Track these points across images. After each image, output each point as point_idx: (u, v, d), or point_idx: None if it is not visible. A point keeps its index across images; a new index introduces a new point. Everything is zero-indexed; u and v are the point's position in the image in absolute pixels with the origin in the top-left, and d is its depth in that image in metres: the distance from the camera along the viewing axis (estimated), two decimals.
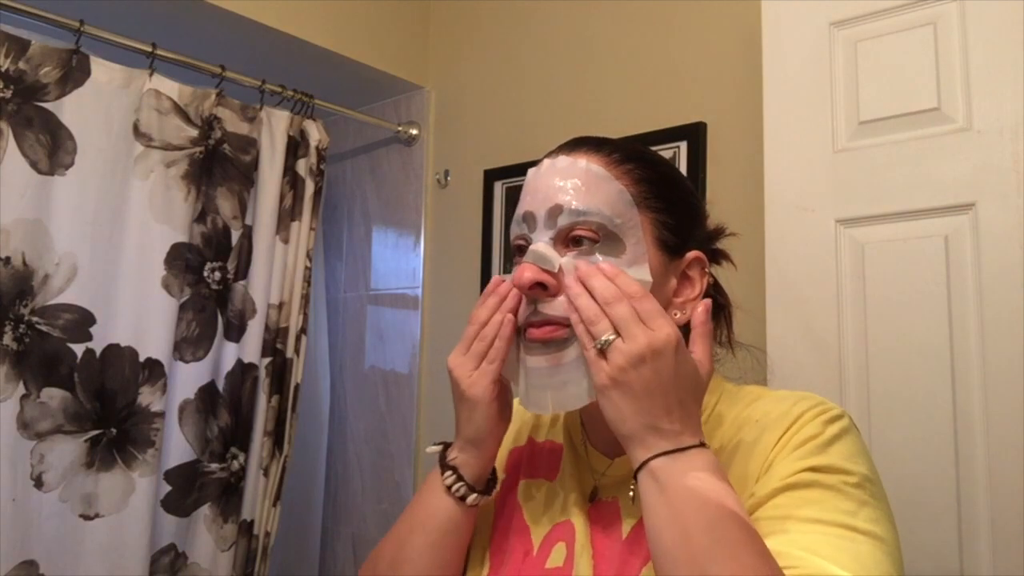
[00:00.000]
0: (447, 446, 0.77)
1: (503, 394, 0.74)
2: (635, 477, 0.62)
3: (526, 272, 0.67)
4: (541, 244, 0.68)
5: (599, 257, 0.67)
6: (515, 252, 0.74)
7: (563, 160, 0.71)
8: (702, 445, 0.62)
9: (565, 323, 0.67)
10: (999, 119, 0.98)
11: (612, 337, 0.62)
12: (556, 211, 0.68)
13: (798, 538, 0.59)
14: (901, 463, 1.01)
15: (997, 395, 0.95)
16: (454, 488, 0.74)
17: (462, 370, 0.72)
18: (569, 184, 0.69)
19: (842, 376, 1.08)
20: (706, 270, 0.74)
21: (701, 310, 0.67)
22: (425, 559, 0.75)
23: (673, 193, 0.73)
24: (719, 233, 0.80)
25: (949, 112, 1.03)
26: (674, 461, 0.60)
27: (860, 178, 1.08)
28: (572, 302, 0.65)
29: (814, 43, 1.15)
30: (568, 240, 0.69)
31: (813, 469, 0.63)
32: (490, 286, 0.72)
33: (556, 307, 0.68)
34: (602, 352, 0.62)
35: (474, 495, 0.74)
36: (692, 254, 0.73)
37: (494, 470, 0.78)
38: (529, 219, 0.71)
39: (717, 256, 0.80)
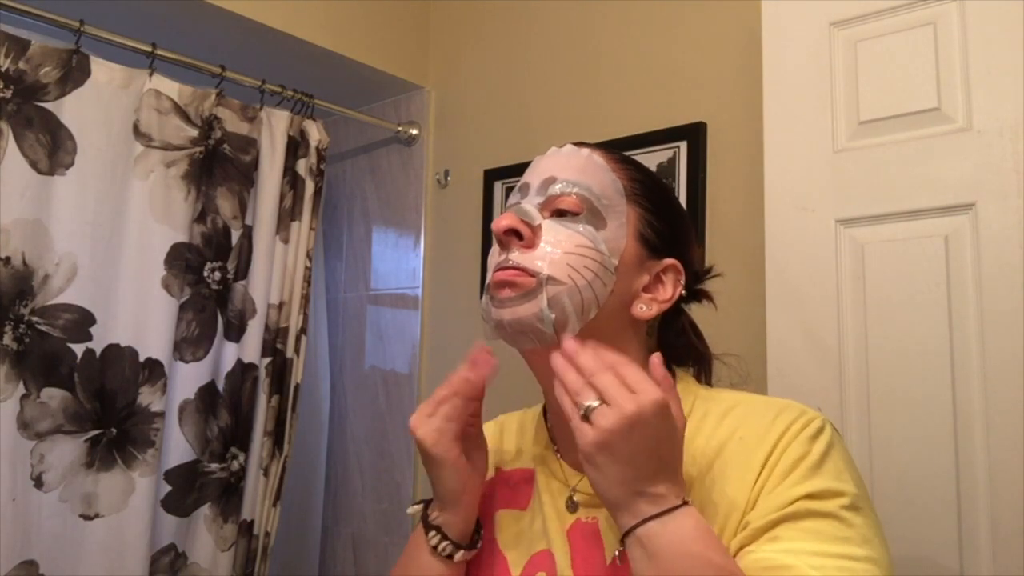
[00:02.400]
0: (427, 504, 0.77)
1: (473, 449, 0.74)
2: (623, 541, 0.62)
3: (504, 219, 0.70)
4: (527, 203, 0.72)
5: (580, 227, 0.70)
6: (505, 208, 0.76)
7: (568, 147, 0.76)
8: (685, 503, 0.61)
9: (532, 273, 0.68)
10: (999, 119, 0.98)
11: (596, 403, 0.61)
12: (549, 181, 0.72)
13: (800, 563, 0.60)
14: (901, 463, 1.01)
15: (997, 395, 0.95)
16: (440, 548, 0.74)
17: (424, 430, 0.71)
18: (568, 163, 0.73)
19: (842, 376, 1.08)
20: (680, 281, 0.74)
21: (656, 363, 0.64)
22: None
23: (663, 202, 0.76)
24: (706, 272, 0.81)
25: (949, 112, 1.03)
26: (662, 526, 0.60)
27: (860, 178, 1.08)
28: (559, 377, 0.64)
29: (814, 43, 1.15)
30: (553, 210, 0.71)
31: (808, 496, 0.63)
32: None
33: (527, 259, 0.69)
34: (586, 418, 0.61)
35: (461, 552, 0.74)
36: (670, 260, 0.74)
37: (478, 522, 0.77)
38: (524, 188, 0.75)
39: (699, 296, 0.80)
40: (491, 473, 0.83)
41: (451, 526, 0.74)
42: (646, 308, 0.73)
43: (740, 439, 0.68)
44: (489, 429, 0.85)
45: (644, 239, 0.73)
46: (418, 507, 0.78)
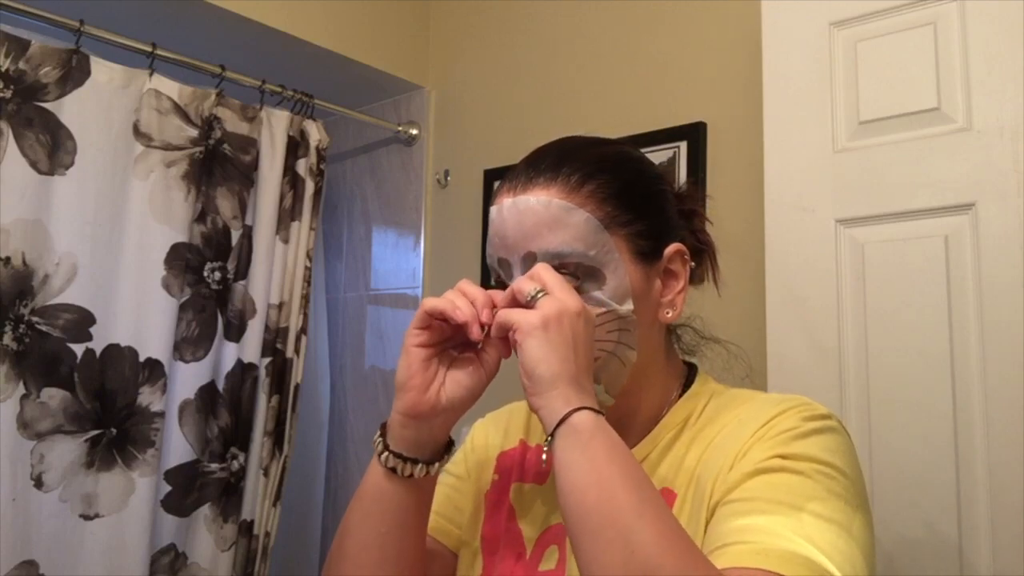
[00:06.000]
0: None
1: (447, 358, 0.70)
2: (551, 435, 0.60)
3: None
4: None
5: (582, 296, 0.67)
6: (498, 288, 0.73)
7: (523, 201, 0.69)
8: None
9: None
10: (999, 119, 0.98)
11: (541, 293, 0.63)
12: (530, 258, 0.68)
13: (763, 520, 0.58)
14: (901, 463, 1.01)
15: (997, 395, 0.95)
16: (375, 443, 0.71)
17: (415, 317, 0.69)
18: (536, 227, 0.68)
19: (842, 376, 1.08)
20: (687, 258, 0.74)
21: None
22: (363, 529, 0.72)
23: (640, 196, 0.72)
24: (686, 199, 0.80)
25: (949, 112, 1.03)
26: (596, 419, 0.60)
27: (860, 178, 1.08)
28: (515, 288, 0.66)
29: (814, 43, 1.15)
30: None
31: (783, 456, 0.63)
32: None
33: None
34: (530, 304, 0.63)
35: (387, 455, 0.69)
36: (670, 249, 0.72)
37: (447, 448, 0.73)
38: (504, 265, 0.71)
39: (692, 218, 0.79)
40: (515, 444, 0.84)
41: (391, 426, 0.70)
42: (672, 312, 0.72)
43: (739, 420, 0.69)
44: (525, 406, 0.87)
45: (640, 254, 0.71)
46: None
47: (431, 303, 0.67)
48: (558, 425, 0.59)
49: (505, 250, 0.70)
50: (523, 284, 0.65)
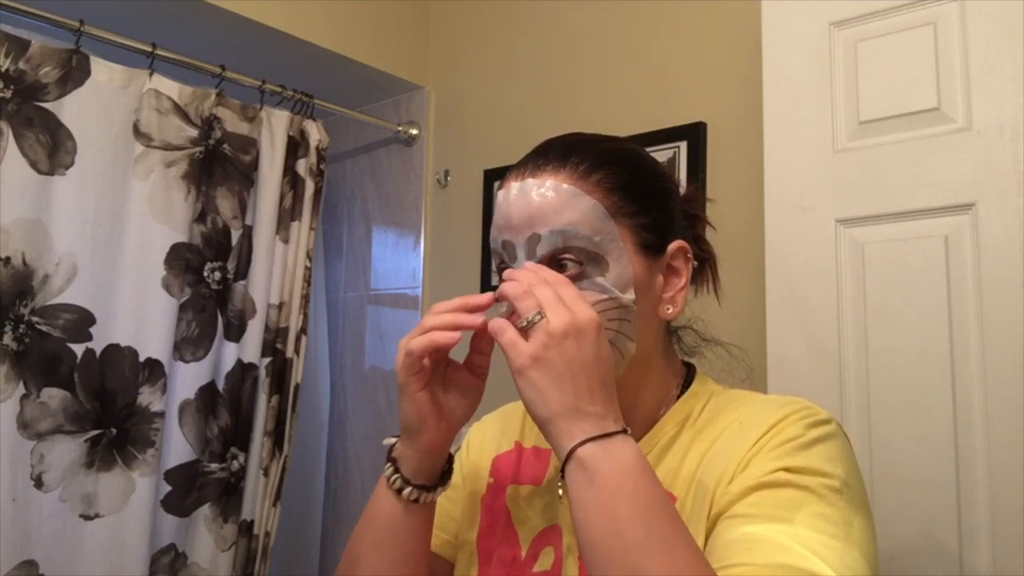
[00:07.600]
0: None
1: (452, 391, 0.72)
2: (562, 473, 0.59)
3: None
4: None
5: (585, 281, 0.67)
6: (499, 272, 0.73)
7: (531, 183, 0.70)
8: (625, 432, 0.60)
9: None
10: (999, 119, 0.98)
11: (539, 317, 0.61)
12: (534, 240, 0.68)
13: (766, 533, 0.59)
14: (901, 463, 1.01)
15: (997, 395, 0.95)
16: (392, 480, 0.72)
17: (400, 354, 0.69)
18: (542, 209, 0.68)
19: (842, 376, 1.08)
20: (689, 256, 0.74)
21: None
22: (375, 557, 0.73)
23: (646, 191, 0.72)
24: (693, 201, 0.80)
25: (949, 112, 1.03)
26: (602, 448, 0.58)
27: (860, 178, 1.08)
28: (501, 292, 0.65)
29: (814, 43, 1.15)
30: (551, 265, 0.68)
31: (788, 469, 0.62)
32: (473, 297, 0.69)
33: None
34: (523, 332, 0.62)
35: (410, 489, 0.71)
36: (674, 245, 0.73)
37: (448, 468, 0.74)
38: (508, 247, 0.71)
39: (695, 223, 0.79)
40: (510, 447, 0.84)
41: (405, 460, 0.71)
42: (672, 308, 0.72)
43: (740, 423, 0.69)
44: (520, 408, 0.86)
45: (644, 247, 0.71)
46: (393, 439, 0.76)
47: (417, 344, 0.66)
48: (565, 463, 0.59)
49: (510, 232, 0.70)
50: (523, 304, 0.63)
